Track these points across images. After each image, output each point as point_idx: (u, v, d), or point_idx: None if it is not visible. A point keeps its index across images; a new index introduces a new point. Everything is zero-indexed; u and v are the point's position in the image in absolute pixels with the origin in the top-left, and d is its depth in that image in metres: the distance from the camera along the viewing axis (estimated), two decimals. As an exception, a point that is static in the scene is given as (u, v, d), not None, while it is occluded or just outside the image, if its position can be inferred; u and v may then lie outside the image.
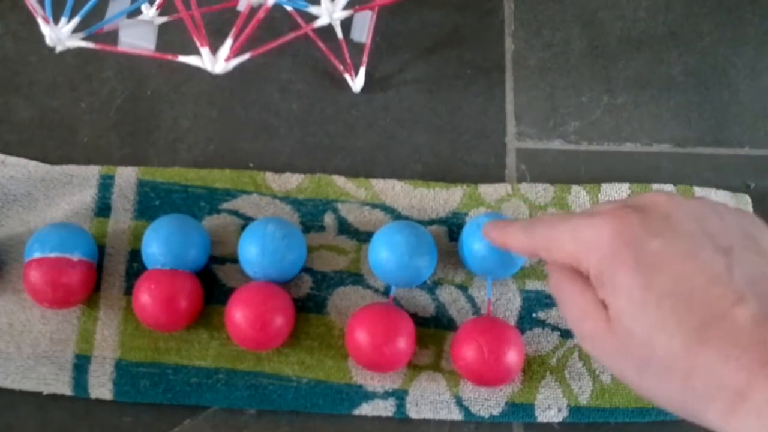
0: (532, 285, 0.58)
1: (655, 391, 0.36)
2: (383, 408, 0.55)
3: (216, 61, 0.51)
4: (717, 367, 0.32)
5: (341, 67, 0.62)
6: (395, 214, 0.59)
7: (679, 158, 0.63)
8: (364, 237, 0.58)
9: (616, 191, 0.60)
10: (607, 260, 0.37)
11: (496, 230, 0.48)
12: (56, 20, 0.51)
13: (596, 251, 0.37)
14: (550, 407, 0.55)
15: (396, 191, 0.60)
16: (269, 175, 0.60)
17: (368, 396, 0.55)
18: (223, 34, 0.51)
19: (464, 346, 0.53)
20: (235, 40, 0.51)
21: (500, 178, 0.62)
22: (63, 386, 0.54)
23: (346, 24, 0.62)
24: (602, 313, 0.37)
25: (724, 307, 0.34)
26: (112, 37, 0.53)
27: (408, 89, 0.64)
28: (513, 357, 0.52)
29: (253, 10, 0.49)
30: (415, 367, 0.56)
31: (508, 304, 0.57)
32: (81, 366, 0.55)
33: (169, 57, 0.52)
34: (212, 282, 0.57)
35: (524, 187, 0.60)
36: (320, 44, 0.62)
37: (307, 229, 0.58)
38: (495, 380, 0.53)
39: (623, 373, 0.37)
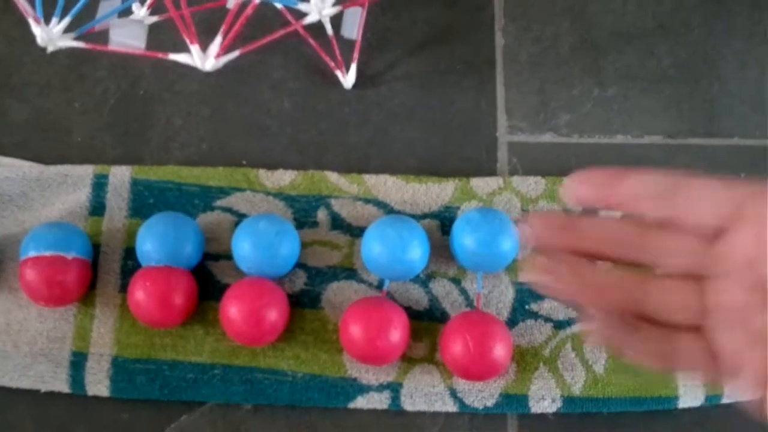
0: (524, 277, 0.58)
1: None
2: (378, 401, 0.55)
3: (206, 58, 0.52)
4: None
5: (332, 64, 0.63)
6: (388, 209, 0.59)
7: (670, 149, 0.63)
8: (357, 232, 0.59)
9: (607, 183, 0.60)
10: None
11: (600, 183, 0.33)
12: (47, 20, 0.52)
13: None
14: (543, 398, 0.55)
15: (388, 186, 0.60)
16: (262, 172, 0.60)
17: (363, 389, 0.55)
18: (215, 32, 0.52)
19: (451, 341, 0.53)
20: (225, 37, 0.51)
21: (492, 172, 0.62)
22: (60, 384, 0.55)
23: (336, 21, 0.62)
24: None
25: None
26: (104, 36, 0.54)
27: (399, 85, 0.64)
28: (499, 351, 0.52)
29: (242, 8, 0.50)
30: (409, 360, 0.56)
31: (501, 296, 0.57)
32: (78, 363, 0.55)
33: (160, 55, 0.53)
34: (207, 278, 0.58)
35: (516, 181, 0.61)
36: (311, 41, 0.62)
37: (300, 225, 0.59)
38: (481, 375, 0.53)
39: None
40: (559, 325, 0.57)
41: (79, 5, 0.51)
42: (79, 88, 0.63)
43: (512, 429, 0.56)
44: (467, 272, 0.58)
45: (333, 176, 0.60)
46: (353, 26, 0.63)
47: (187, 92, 0.63)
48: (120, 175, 0.60)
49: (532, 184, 0.60)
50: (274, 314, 0.53)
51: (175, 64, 0.53)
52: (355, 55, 0.63)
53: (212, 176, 0.60)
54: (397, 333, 0.53)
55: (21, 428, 0.55)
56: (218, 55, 0.52)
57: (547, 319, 0.57)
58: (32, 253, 0.54)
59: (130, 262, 0.58)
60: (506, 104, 0.64)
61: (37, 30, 0.51)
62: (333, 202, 0.60)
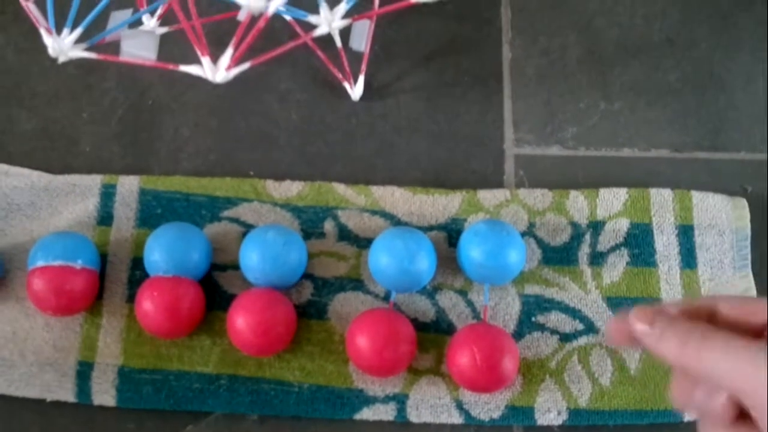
0: (531, 289, 0.58)
1: None
2: (384, 412, 0.55)
3: (217, 70, 0.52)
4: None
5: (340, 76, 0.63)
6: (395, 221, 0.59)
7: (677, 163, 0.63)
8: (364, 243, 0.59)
9: (614, 196, 0.60)
10: None
11: (645, 321, 0.36)
12: (59, 31, 0.52)
13: None
14: (549, 410, 0.55)
15: (395, 198, 0.60)
16: (270, 183, 0.60)
17: (369, 400, 0.55)
18: (223, 44, 0.52)
19: (457, 353, 0.53)
20: (236, 49, 0.51)
21: (499, 184, 0.62)
22: (66, 393, 0.55)
23: (345, 33, 0.63)
24: None
25: None
26: (114, 47, 0.54)
27: (407, 97, 0.65)
28: (506, 364, 0.52)
29: (253, 20, 0.50)
30: (415, 372, 0.56)
31: (508, 308, 0.57)
32: (84, 373, 0.55)
33: (171, 66, 0.53)
34: (214, 289, 0.58)
35: (523, 193, 0.61)
36: (319, 53, 0.63)
37: (307, 235, 0.59)
38: (487, 387, 0.53)
39: None
40: (566, 338, 0.57)
41: (90, 16, 0.51)
42: (87, 99, 0.64)
43: (518, 442, 0.56)
44: (474, 284, 0.58)
45: (340, 187, 0.60)
46: (362, 38, 0.63)
47: (195, 103, 0.64)
48: (128, 185, 0.60)
49: (539, 197, 0.61)
50: (281, 325, 0.53)
51: (183, 75, 0.53)
52: (363, 67, 0.63)
53: (220, 187, 0.60)
54: (403, 344, 0.53)
55: (27, 437, 0.55)
56: (229, 67, 0.52)
57: (554, 332, 0.57)
58: (40, 263, 0.54)
59: (137, 272, 0.58)
60: (513, 117, 0.64)
61: (49, 40, 0.51)
62: (340, 213, 0.60)
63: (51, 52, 0.52)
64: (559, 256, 0.59)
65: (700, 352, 0.33)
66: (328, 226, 0.59)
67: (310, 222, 0.59)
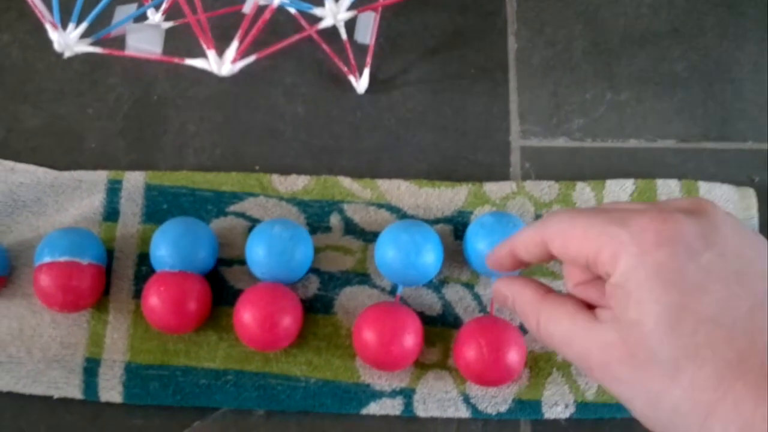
0: (538, 282, 0.58)
1: (665, 427, 0.31)
2: (391, 407, 0.55)
3: (222, 63, 0.52)
4: (745, 408, 0.28)
5: (345, 69, 0.63)
6: (401, 214, 0.59)
7: (683, 153, 0.63)
8: (370, 237, 0.59)
9: (620, 187, 0.60)
10: (642, 268, 0.31)
11: (500, 245, 0.41)
12: (64, 26, 0.52)
13: (629, 254, 0.31)
14: (557, 403, 0.55)
15: (401, 191, 0.60)
16: (275, 177, 0.60)
17: (376, 395, 0.55)
18: (228, 38, 0.52)
19: (465, 346, 0.53)
20: (241, 42, 0.51)
21: (505, 176, 0.62)
22: (73, 390, 0.55)
23: (350, 25, 0.62)
24: (610, 333, 0.32)
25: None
26: (119, 42, 0.54)
27: (412, 90, 0.64)
28: (513, 357, 0.52)
29: (258, 12, 0.50)
30: (422, 366, 0.56)
31: (515, 301, 0.57)
32: (91, 369, 0.55)
33: (176, 60, 0.53)
34: (220, 284, 0.58)
35: (529, 185, 0.61)
36: (324, 46, 0.62)
37: (313, 230, 0.59)
38: (495, 380, 0.53)
39: (632, 402, 0.32)
40: (573, 331, 0.57)
41: (95, 11, 0.51)
42: (92, 95, 0.64)
43: (526, 435, 0.56)
44: (480, 277, 0.58)
45: (346, 181, 0.60)
46: (367, 31, 0.63)
47: (200, 98, 0.64)
48: (134, 181, 0.60)
49: (546, 189, 0.60)
50: (288, 319, 0.53)
51: (188, 69, 0.53)
52: (368, 59, 0.63)
53: (225, 181, 0.60)
54: (410, 338, 0.53)
55: (35, 434, 0.55)
56: (234, 60, 0.52)
57: (561, 325, 0.57)
58: (47, 259, 0.54)
59: (143, 268, 0.58)
60: (519, 108, 0.64)
61: (54, 35, 0.51)
62: (346, 207, 0.60)
63: (56, 47, 0.52)
64: (566, 249, 0.59)
65: (549, 330, 0.36)
66: (334, 220, 0.59)
67: (316, 216, 0.59)
